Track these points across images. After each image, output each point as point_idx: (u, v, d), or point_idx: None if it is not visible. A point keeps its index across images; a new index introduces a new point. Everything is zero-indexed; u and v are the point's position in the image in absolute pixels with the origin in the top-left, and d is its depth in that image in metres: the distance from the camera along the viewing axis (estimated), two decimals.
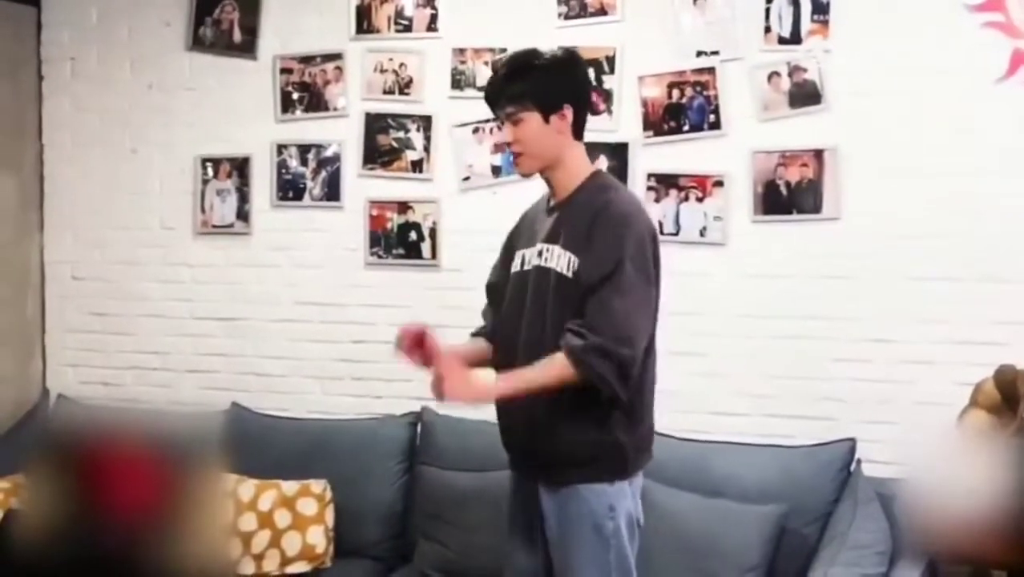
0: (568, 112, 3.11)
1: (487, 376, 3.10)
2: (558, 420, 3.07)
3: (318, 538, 4.30)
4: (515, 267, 3.23)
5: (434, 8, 4.66)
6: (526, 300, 3.15)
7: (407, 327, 3.21)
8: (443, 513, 4.26)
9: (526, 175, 3.23)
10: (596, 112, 4.31)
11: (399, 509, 4.45)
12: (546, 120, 3.10)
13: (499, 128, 3.23)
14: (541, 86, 3.11)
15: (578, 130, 3.17)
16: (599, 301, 2.99)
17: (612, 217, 3.07)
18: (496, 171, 4.59)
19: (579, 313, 3.01)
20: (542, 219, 3.21)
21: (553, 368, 2.99)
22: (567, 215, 3.13)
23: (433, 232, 4.68)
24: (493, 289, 3.39)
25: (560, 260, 3.08)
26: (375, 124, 4.74)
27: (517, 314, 3.18)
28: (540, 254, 3.13)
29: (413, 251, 4.72)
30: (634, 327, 3.00)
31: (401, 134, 4.72)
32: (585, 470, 3.08)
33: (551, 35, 4.33)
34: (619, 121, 4.43)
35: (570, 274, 3.05)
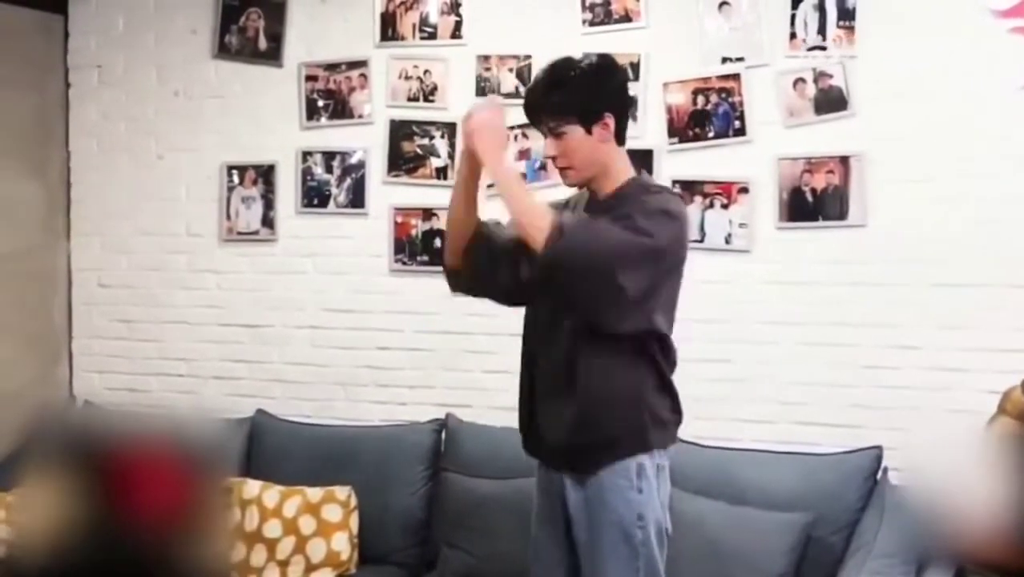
0: (610, 120, 3.08)
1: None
2: (594, 411, 3.07)
3: (343, 545, 4.30)
4: None
5: (459, 15, 4.67)
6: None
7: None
8: (467, 520, 4.26)
9: (573, 186, 3.21)
10: None
11: (423, 516, 4.44)
12: (589, 131, 3.06)
13: (542, 138, 3.18)
14: (581, 96, 3.07)
15: (620, 136, 3.14)
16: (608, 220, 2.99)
17: (656, 209, 3.04)
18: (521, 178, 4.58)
19: None
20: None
21: (536, 208, 3.02)
22: (603, 214, 3.10)
23: None
24: (487, 224, 3.32)
25: None
26: (400, 131, 4.75)
27: (544, 305, 3.17)
28: None
29: (438, 258, 4.70)
30: (620, 247, 2.94)
31: (426, 141, 4.72)
32: (608, 453, 3.07)
33: (576, 42, 4.31)
34: (644, 128, 4.42)
35: None
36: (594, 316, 3.01)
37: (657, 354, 3.08)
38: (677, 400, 3.18)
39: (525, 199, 3.06)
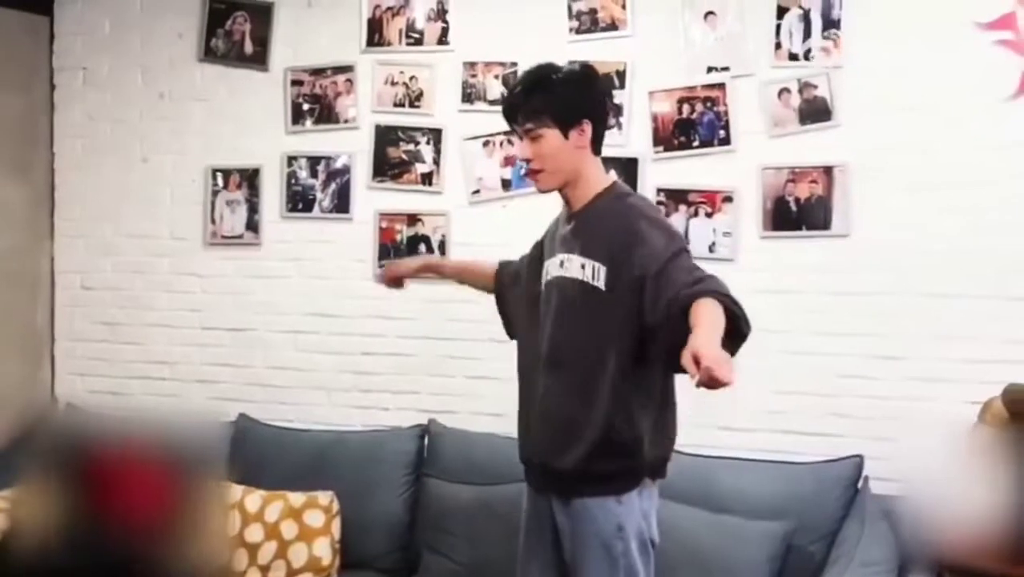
0: (587, 127, 3.09)
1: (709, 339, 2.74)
2: (587, 438, 3.06)
3: (324, 550, 4.30)
4: (543, 277, 3.22)
5: (445, 22, 4.67)
6: (551, 309, 3.14)
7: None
8: (449, 526, 4.26)
9: (544, 191, 3.21)
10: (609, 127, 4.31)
11: (405, 521, 4.44)
12: (565, 136, 3.08)
13: (517, 140, 3.20)
14: (560, 101, 3.08)
15: (596, 145, 3.15)
16: (677, 267, 2.94)
17: (652, 217, 3.10)
18: (506, 184, 4.59)
19: (606, 322, 3.00)
20: (562, 230, 3.20)
21: (716, 310, 2.81)
22: (584, 224, 3.12)
23: (443, 245, 4.69)
24: (507, 264, 3.48)
25: (585, 269, 3.06)
26: (385, 136, 4.75)
27: (540, 323, 3.18)
28: (561, 264, 3.13)
29: None
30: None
31: (411, 147, 4.73)
32: (598, 487, 3.08)
33: (562, 50, 4.33)
34: (629, 136, 4.43)
35: (599, 284, 3.02)
36: None
37: (661, 393, 3.14)
38: (674, 437, 3.21)
39: (719, 322, 2.83)
